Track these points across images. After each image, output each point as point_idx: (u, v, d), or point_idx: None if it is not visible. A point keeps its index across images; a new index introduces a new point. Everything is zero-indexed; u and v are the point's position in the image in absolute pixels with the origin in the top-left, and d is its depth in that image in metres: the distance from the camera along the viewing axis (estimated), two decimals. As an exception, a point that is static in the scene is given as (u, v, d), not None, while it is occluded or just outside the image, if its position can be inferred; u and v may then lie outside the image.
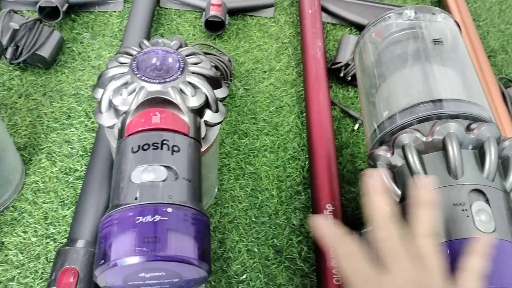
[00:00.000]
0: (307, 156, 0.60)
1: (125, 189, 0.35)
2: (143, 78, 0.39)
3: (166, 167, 0.35)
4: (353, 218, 0.56)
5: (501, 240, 0.32)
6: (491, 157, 0.35)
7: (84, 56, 0.67)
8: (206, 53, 0.62)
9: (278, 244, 0.53)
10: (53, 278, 0.45)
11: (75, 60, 0.67)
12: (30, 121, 0.60)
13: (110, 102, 0.40)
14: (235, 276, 0.50)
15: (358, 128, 0.64)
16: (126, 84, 0.40)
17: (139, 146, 0.36)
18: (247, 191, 0.57)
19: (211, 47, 0.68)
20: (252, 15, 0.75)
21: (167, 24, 0.73)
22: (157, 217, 0.33)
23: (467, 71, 0.43)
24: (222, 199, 0.56)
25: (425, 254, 0.30)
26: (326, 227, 0.33)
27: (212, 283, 0.50)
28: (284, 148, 0.61)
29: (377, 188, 0.32)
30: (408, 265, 0.29)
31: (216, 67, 0.61)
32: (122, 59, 0.42)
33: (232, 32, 0.72)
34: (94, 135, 0.59)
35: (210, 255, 0.36)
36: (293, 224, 0.55)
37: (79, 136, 0.59)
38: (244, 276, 0.50)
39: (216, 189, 0.56)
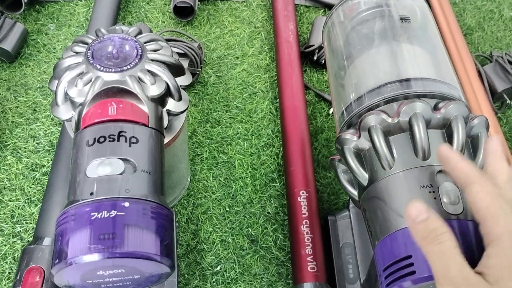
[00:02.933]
0: (281, 142, 0.59)
1: (81, 184, 0.33)
2: (99, 67, 0.37)
3: (124, 159, 0.34)
4: (329, 204, 0.55)
5: (470, 221, 0.31)
6: (458, 136, 0.34)
7: (49, 48, 0.65)
8: (175, 40, 0.60)
9: (253, 233, 0.52)
10: (18, 278, 0.43)
11: (40, 52, 0.65)
12: (-7, 117, 0.58)
13: (66, 93, 0.38)
14: (209, 268, 0.49)
15: (333, 112, 0.62)
16: (81, 74, 0.38)
17: (94, 138, 0.35)
18: (220, 180, 0.56)
19: (181, 34, 0.66)
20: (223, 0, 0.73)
21: (135, 12, 0.70)
22: (114, 212, 0.31)
23: (437, 49, 0.42)
24: (195, 189, 0.55)
25: None
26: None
27: (186, 275, 0.49)
28: (258, 135, 0.60)
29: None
30: None
31: (185, 54, 0.59)
32: (77, 48, 0.40)
33: (202, 18, 0.70)
34: (60, 129, 0.57)
35: (174, 249, 0.34)
36: (268, 213, 0.54)
37: (46, 130, 0.57)
38: (218, 267, 0.49)
39: (188, 180, 0.55)
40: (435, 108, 0.35)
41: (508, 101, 0.65)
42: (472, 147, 0.35)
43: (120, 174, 0.33)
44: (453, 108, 0.34)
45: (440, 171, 0.32)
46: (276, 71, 0.64)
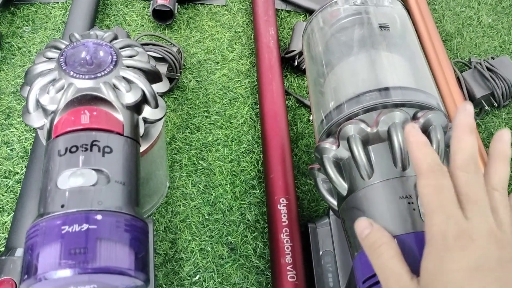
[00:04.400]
0: (261, 148, 0.58)
1: (52, 196, 0.32)
2: (72, 73, 0.36)
3: (97, 170, 0.33)
4: (309, 211, 0.55)
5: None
6: (437, 145, 0.34)
7: (24, 51, 0.63)
8: (154, 45, 0.59)
9: (232, 241, 0.51)
10: (-12, 292, 0.42)
11: (14, 55, 0.63)
12: (-36, 122, 0.56)
13: (37, 101, 0.37)
14: (188, 278, 0.48)
15: (312, 119, 0.62)
16: (53, 81, 0.37)
17: (66, 148, 0.34)
18: (199, 187, 0.55)
19: (160, 38, 0.65)
20: (203, 3, 0.72)
21: (114, 15, 0.69)
22: (85, 226, 0.30)
23: (415, 57, 0.42)
24: (174, 197, 0.54)
25: (499, 208, 0.27)
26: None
27: (164, 286, 0.48)
28: (238, 141, 0.59)
29: (468, 124, 0.29)
30: (490, 217, 0.27)
31: (164, 58, 0.58)
32: (50, 54, 0.39)
33: (182, 22, 0.69)
34: (34, 135, 0.55)
35: (150, 262, 0.33)
36: (248, 220, 0.53)
37: (20, 136, 0.55)
38: (197, 277, 0.49)
39: (167, 187, 0.54)
40: (414, 117, 0.35)
41: (487, 108, 0.65)
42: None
43: (93, 185, 0.32)
44: (432, 117, 0.34)
45: (418, 182, 0.32)
46: (257, 76, 0.64)
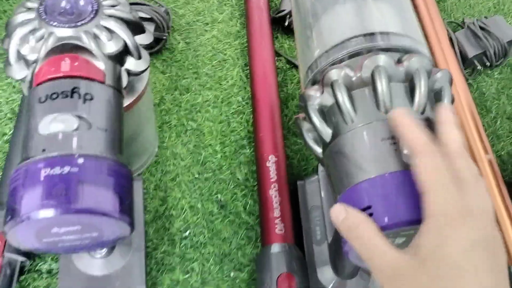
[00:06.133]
0: (251, 109, 0.58)
1: (33, 141, 0.32)
2: (52, 22, 0.36)
3: (77, 116, 0.33)
4: (299, 169, 0.55)
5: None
6: (420, 89, 0.33)
7: (9, 15, 0.63)
8: (140, 4, 0.58)
9: (222, 199, 0.52)
10: (-22, 245, 0.42)
11: (0, 18, 0.62)
12: (-48, 85, 0.55)
13: (18, 51, 0.36)
14: (178, 233, 0.49)
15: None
16: (33, 30, 0.36)
17: (47, 95, 0.33)
18: (189, 147, 0.55)
19: None
20: (193, -34, 0.71)
21: (101, -22, 0.68)
22: (66, 168, 0.30)
23: (402, 3, 0.41)
24: (163, 157, 0.54)
25: (468, 178, 0.28)
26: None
27: (154, 241, 0.48)
28: (228, 102, 0.59)
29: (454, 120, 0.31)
30: (486, 195, 0.28)
31: (151, 19, 0.58)
32: (29, 4, 0.38)
33: (171, -16, 0.68)
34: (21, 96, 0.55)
35: (132, 208, 0.33)
36: (238, 179, 0.53)
37: (7, 98, 0.55)
38: (187, 233, 0.49)
39: (156, 147, 0.54)
40: (398, 61, 0.34)
41: (479, 67, 0.65)
42: (436, 100, 0.35)
43: (74, 130, 0.32)
44: (416, 61, 0.34)
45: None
46: (247, 37, 0.63)
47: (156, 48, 0.59)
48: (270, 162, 0.50)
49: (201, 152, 0.54)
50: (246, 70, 0.61)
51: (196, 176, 0.53)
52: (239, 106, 0.59)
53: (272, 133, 0.53)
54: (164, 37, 0.59)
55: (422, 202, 0.28)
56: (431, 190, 0.27)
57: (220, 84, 0.60)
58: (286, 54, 0.64)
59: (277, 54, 0.63)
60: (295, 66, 0.63)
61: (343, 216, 0.30)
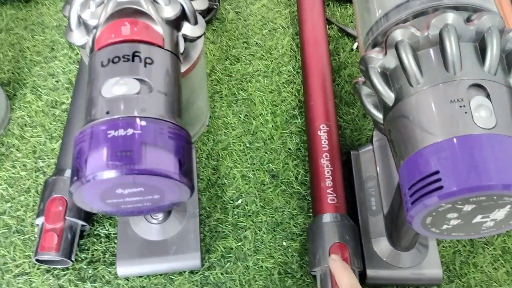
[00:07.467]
0: (302, 79, 0.57)
1: (97, 104, 0.33)
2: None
3: (139, 79, 0.33)
4: (352, 139, 0.54)
5: (502, 135, 0.29)
6: (492, 48, 0.31)
7: (64, -13, 0.64)
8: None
9: (274, 168, 0.51)
10: (42, 208, 0.44)
11: (55, -9, 0.63)
12: (12, 55, 0.57)
13: (79, 17, 0.37)
14: (230, 201, 0.49)
15: (357, 48, 0.60)
16: (94, -4, 0.36)
17: (109, 59, 0.34)
18: (240, 117, 0.54)
19: (198, -30, 0.63)
20: None
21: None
22: (130, 131, 0.31)
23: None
24: (215, 126, 0.54)
25: None
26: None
27: (207, 208, 0.49)
28: (278, 72, 0.58)
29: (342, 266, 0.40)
30: None
31: (202, -12, 0.57)
32: (89, -29, 0.38)
33: (220, -47, 0.67)
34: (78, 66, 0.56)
35: (192, 171, 0.34)
36: (289, 149, 0.53)
37: (64, 68, 0.57)
38: (239, 201, 0.49)
39: (208, 117, 0.54)
40: (468, 20, 0.32)
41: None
42: (507, 62, 0.33)
43: (136, 93, 0.32)
44: (487, 19, 0.32)
45: (473, 85, 0.30)
46: (297, 5, 0.61)
47: (206, 18, 0.59)
48: (322, 131, 0.49)
49: (252, 121, 0.54)
50: (297, 39, 0.60)
51: (248, 145, 0.53)
52: (290, 76, 0.58)
53: (324, 102, 0.51)
54: (215, 7, 0.59)
55: None
56: None
57: (271, 54, 0.59)
58: (338, 21, 0.62)
59: (328, 22, 0.61)
60: (348, 34, 0.61)
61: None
